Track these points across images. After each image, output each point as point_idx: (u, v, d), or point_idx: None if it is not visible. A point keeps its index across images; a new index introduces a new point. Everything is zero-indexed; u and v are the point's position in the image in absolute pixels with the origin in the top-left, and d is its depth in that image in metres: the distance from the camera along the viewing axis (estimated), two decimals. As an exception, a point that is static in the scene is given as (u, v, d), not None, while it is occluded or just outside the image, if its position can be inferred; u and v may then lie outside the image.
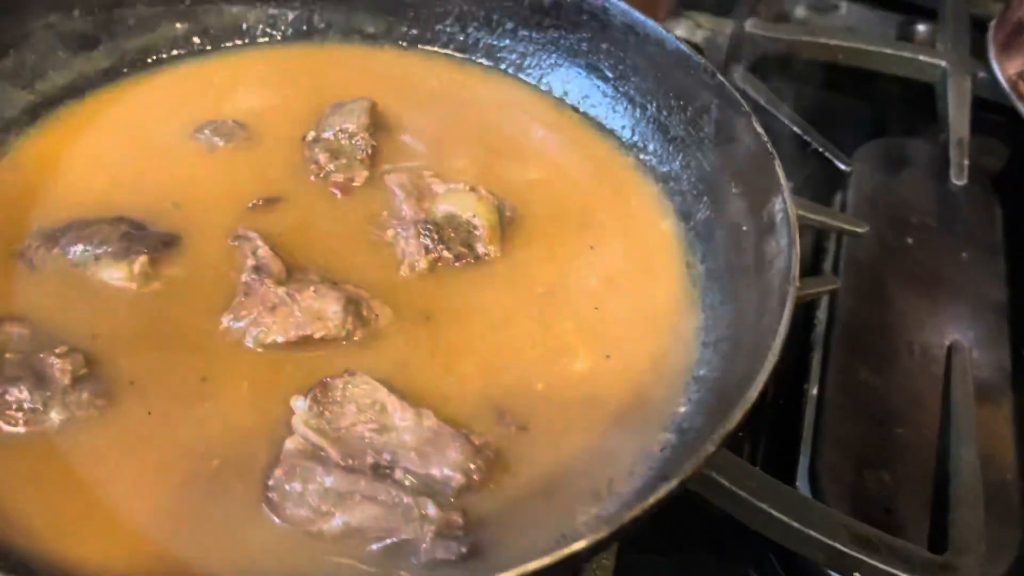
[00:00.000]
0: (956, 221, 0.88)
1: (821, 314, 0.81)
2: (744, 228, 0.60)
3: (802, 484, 0.68)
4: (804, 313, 0.82)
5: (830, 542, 0.55)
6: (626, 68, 0.71)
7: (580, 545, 0.38)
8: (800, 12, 1.17)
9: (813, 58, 0.96)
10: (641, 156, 0.71)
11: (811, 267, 0.84)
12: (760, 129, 0.59)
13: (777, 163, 0.57)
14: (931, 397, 0.72)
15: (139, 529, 0.48)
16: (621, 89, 0.72)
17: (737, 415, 0.43)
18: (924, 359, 0.76)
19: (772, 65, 0.99)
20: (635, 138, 0.72)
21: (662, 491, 0.40)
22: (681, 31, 0.96)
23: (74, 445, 0.50)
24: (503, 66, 0.78)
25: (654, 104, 0.70)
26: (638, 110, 0.72)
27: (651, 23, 0.68)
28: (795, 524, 0.56)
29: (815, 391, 0.75)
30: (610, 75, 0.73)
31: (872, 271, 0.83)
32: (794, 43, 0.95)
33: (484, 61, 0.78)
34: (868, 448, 0.70)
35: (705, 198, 0.65)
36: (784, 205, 0.55)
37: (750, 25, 0.93)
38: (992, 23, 0.94)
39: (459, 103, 0.75)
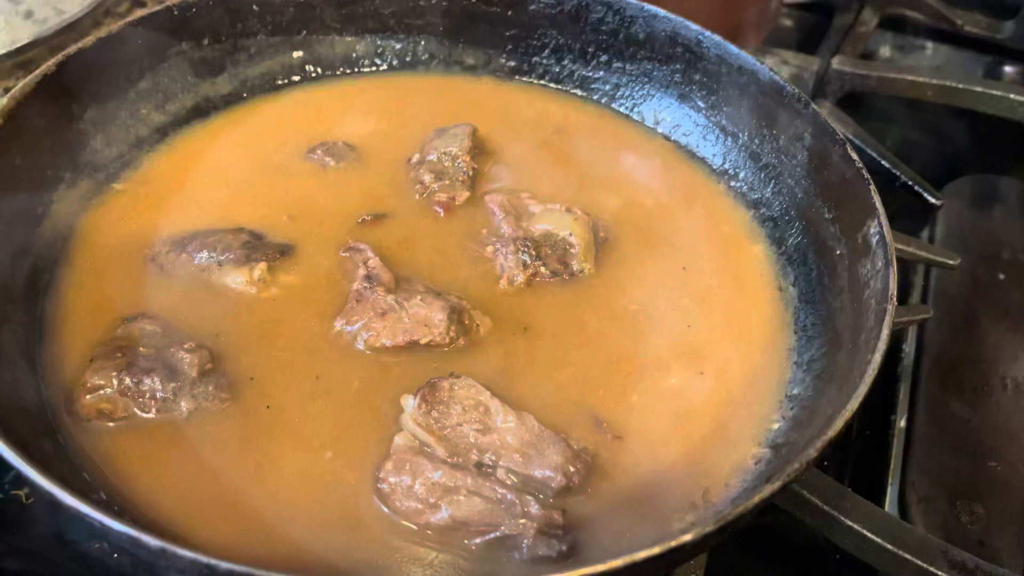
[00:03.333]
0: (1049, 258, 0.86)
1: (908, 347, 0.81)
2: (838, 252, 0.61)
3: (891, 512, 0.68)
4: (890, 345, 0.82)
5: (927, 566, 0.55)
6: (718, 98, 0.74)
7: (687, 538, 0.39)
8: (885, 52, 1.18)
9: (900, 95, 0.97)
10: (732, 183, 0.73)
11: (899, 300, 0.85)
12: (855, 155, 0.61)
13: (872, 188, 0.59)
14: (1026, 432, 0.71)
15: (257, 514, 0.51)
16: (713, 118, 0.75)
17: (838, 423, 0.44)
18: (1018, 394, 0.75)
19: (858, 101, 1.00)
20: (726, 166, 0.74)
21: (766, 491, 0.42)
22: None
23: (200, 433, 0.54)
24: (596, 96, 0.81)
25: (745, 133, 0.72)
26: (729, 139, 0.74)
27: (744, 55, 0.71)
28: (889, 547, 0.56)
29: (903, 423, 0.75)
30: (702, 105, 0.75)
31: (962, 305, 0.82)
32: (883, 79, 0.96)
33: (578, 92, 0.81)
34: (961, 481, 0.69)
35: (797, 224, 0.67)
36: (880, 228, 0.56)
37: (837, 62, 0.94)
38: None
39: (554, 131, 0.78)
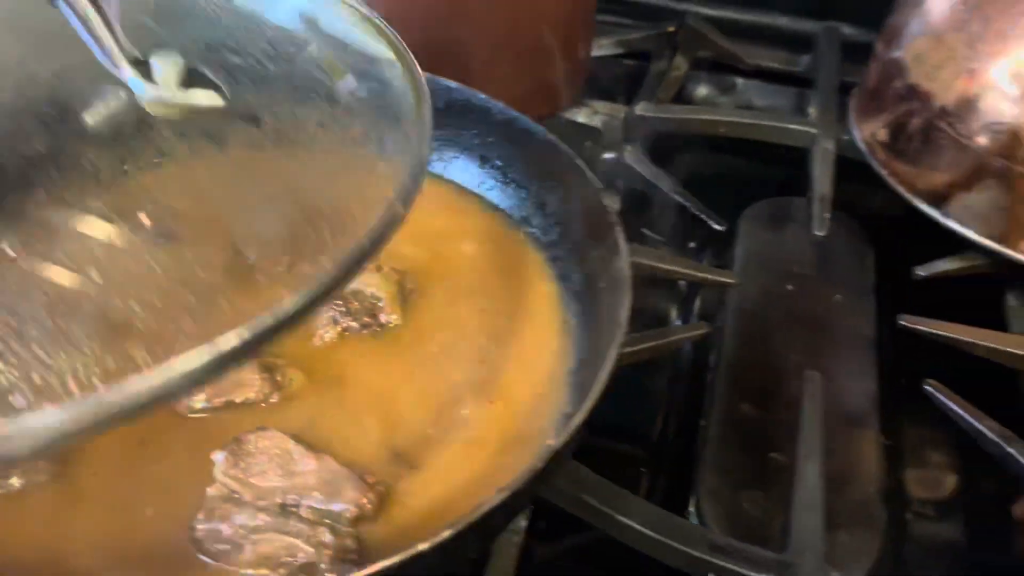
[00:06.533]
0: (832, 268, 0.98)
1: (715, 358, 0.91)
2: (601, 285, 0.71)
3: (692, 508, 0.77)
4: (699, 357, 0.92)
5: (690, 550, 0.64)
6: (510, 156, 0.84)
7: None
8: (702, 91, 1.31)
9: (700, 132, 1.08)
10: (528, 230, 0.82)
11: (702, 317, 0.96)
12: (606, 202, 0.71)
13: (619, 229, 0.68)
14: (802, 423, 0.81)
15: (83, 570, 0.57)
16: (509, 175, 0.84)
17: (574, 424, 0.53)
18: (799, 392, 0.85)
19: (666, 142, 1.12)
20: (523, 214, 0.83)
21: (495, 499, 0.50)
22: (581, 118, 1.09)
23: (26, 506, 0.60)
24: (413, 161, 0.90)
25: (535, 185, 0.82)
26: (523, 191, 0.83)
27: (524, 118, 0.81)
28: (660, 537, 0.64)
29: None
30: (499, 163, 0.85)
31: (756, 317, 0.93)
32: (682, 120, 1.07)
33: (395, 158, 0.90)
34: (746, 473, 0.78)
35: (577, 263, 0.76)
36: (621, 263, 0.65)
37: (640, 108, 1.05)
38: (854, 90, 1.07)
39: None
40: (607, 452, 0.88)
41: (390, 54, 0.59)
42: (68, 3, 0.47)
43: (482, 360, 0.71)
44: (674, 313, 1.00)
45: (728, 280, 0.85)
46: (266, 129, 0.61)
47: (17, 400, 0.44)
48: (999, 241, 0.86)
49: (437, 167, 0.89)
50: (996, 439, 0.72)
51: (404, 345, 0.72)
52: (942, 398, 0.75)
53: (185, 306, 0.52)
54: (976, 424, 0.73)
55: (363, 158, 0.60)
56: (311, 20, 0.63)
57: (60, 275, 0.53)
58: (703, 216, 0.95)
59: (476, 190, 0.87)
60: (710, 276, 0.85)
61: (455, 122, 0.86)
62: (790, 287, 0.96)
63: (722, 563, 0.63)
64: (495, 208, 0.85)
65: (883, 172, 0.95)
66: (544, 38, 0.97)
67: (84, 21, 0.48)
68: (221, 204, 0.61)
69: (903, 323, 0.83)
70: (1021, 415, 0.83)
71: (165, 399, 0.39)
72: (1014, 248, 0.86)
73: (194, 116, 0.53)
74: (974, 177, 0.86)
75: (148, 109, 0.52)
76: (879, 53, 1.00)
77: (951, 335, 0.81)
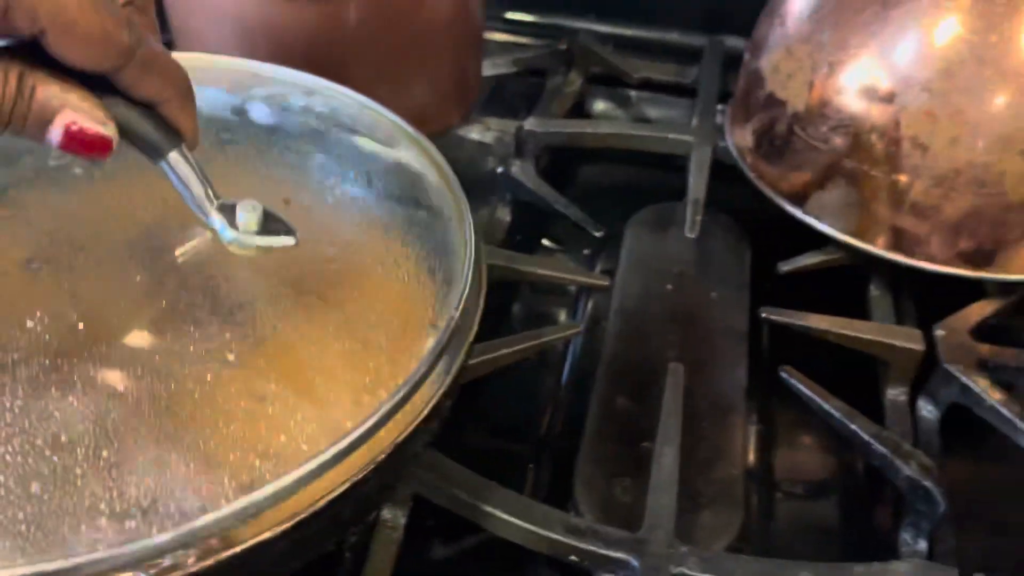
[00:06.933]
0: (710, 267, 1.04)
1: (597, 357, 0.95)
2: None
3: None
4: (586, 357, 0.97)
5: (548, 533, 0.68)
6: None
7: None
8: (600, 106, 1.37)
9: (588, 145, 1.14)
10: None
11: (592, 320, 1.01)
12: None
13: (471, 234, 0.73)
14: (674, 414, 0.86)
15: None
16: (389, 189, 0.89)
17: (410, 425, 0.57)
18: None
19: (562, 155, 1.17)
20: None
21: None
22: (474, 134, 1.14)
23: None
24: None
25: (412, 199, 0.86)
26: (403, 205, 0.88)
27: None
28: (520, 523, 0.68)
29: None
30: (379, 179, 0.89)
31: (635, 317, 0.98)
32: (570, 134, 1.12)
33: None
34: (619, 462, 0.83)
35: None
36: (471, 262, 0.70)
37: (528, 124, 1.10)
38: (730, 100, 1.13)
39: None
40: (496, 451, 0.92)
41: (439, 184, 0.72)
42: (168, 164, 0.55)
43: (355, 367, 0.75)
44: (564, 316, 1.04)
45: (601, 283, 0.90)
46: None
47: (129, 524, 0.52)
48: (854, 235, 0.93)
49: (324, 185, 0.93)
50: (841, 417, 0.77)
51: (272, 355, 0.75)
52: (794, 381, 0.80)
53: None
54: (823, 405, 0.78)
55: (412, 284, 0.73)
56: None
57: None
58: (582, 224, 1.00)
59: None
60: (585, 279, 0.90)
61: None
62: (669, 287, 1.01)
63: (579, 544, 0.67)
64: (379, 221, 0.89)
65: (751, 175, 1.01)
66: (429, 59, 1.02)
67: (181, 179, 0.56)
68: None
69: (763, 315, 0.88)
70: (880, 400, 0.89)
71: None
72: (869, 242, 0.92)
73: (267, 254, 0.62)
74: (826, 177, 0.92)
75: (229, 249, 0.60)
76: (746, 63, 1.06)
77: (806, 324, 0.87)
